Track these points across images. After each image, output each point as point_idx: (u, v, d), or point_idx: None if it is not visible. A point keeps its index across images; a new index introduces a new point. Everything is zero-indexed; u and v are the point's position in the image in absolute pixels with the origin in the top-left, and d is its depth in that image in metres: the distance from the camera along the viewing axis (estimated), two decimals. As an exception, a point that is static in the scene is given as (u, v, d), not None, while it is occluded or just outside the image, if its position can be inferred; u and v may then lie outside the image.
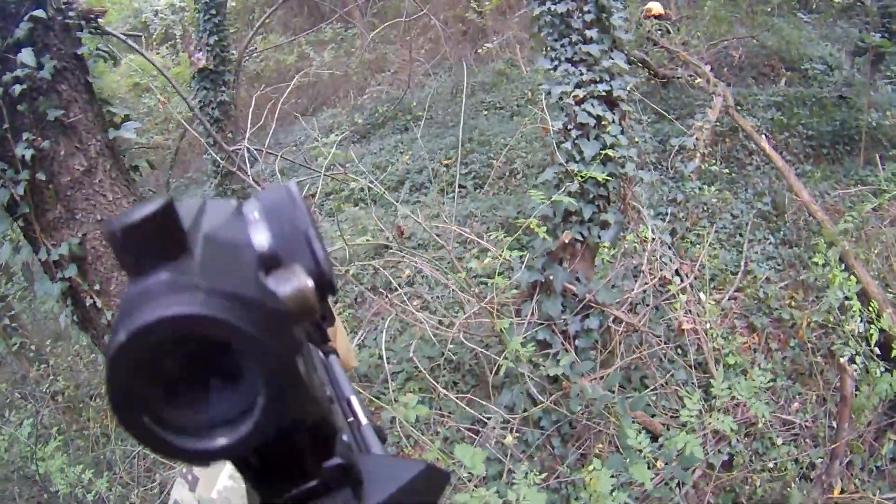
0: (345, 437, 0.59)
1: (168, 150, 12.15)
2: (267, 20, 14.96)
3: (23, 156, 3.97)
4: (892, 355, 5.15)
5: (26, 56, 3.86)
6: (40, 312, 9.45)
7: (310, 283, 0.50)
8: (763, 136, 9.54)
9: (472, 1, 17.06)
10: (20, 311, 9.13)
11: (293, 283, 0.49)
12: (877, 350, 5.37)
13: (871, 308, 5.56)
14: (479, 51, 15.14)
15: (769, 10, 14.77)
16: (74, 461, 6.16)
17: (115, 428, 6.53)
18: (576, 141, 5.16)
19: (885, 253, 7.01)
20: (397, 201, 10.30)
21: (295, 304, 0.48)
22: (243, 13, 23.73)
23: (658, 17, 14.54)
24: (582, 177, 4.92)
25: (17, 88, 3.87)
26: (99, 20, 4.75)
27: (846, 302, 5.62)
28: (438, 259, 6.81)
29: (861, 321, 5.49)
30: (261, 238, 0.54)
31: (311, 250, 0.56)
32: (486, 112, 13.83)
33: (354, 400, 0.74)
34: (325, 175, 6.27)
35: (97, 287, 4.34)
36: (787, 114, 11.25)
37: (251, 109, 8.77)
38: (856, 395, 4.74)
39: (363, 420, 0.71)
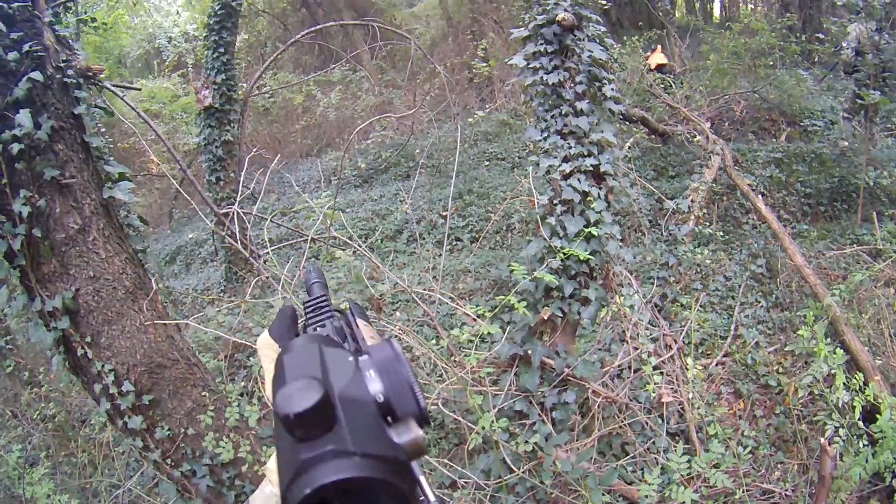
0: None
1: (175, 178, 12.36)
2: (278, 56, 15.23)
3: (20, 212, 4.09)
4: (877, 423, 5.24)
5: (24, 118, 4.00)
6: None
7: (419, 433, 0.73)
8: (760, 195, 9.62)
9: (479, 50, 17.31)
10: (17, 330, 9.27)
11: (410, 435, 0.72)
12: (860, 423, 5.46)
13: (857, 378, 5.66)
14: (478, 113, 15.34)
15: (771, 63, 14.93)
16: (60, 488, 6.25)
17: (101, 459, 6.60)
18: (560, 217, 5.24)
19: (876, 317, 7.01)
20: (394, 251, 10.53)
21: (412, 451, 0.71)
22: (256, 46, 24.13)
23: (660, 67, 14.79)
24: (564, 253, 4.98)
25: (16, 147, 3.99)
26: (98, 77, 4.96)
27: (832, 373, 5.72)
28: (424, 317, 6.97)
29: (846, 392, 5.59)
30: (376, 389, 0.75)
31: (415, 398, 0.76)
32: (487, 163, 13.96)
33: (423, 480, 0.83)
34: (314, 237, 6.43)
35: (88, 339, 4.50)
36: (786, 171, 11.34)
37: (248, 157, 8.94)
38: (833, 476, 4.84)
39: (431, 498, 0.81)
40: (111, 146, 12.86)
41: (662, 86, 13.20)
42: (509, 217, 10.58)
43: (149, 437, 4.79)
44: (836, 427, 5.35)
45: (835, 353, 5.58)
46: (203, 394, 5.00)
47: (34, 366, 8.21)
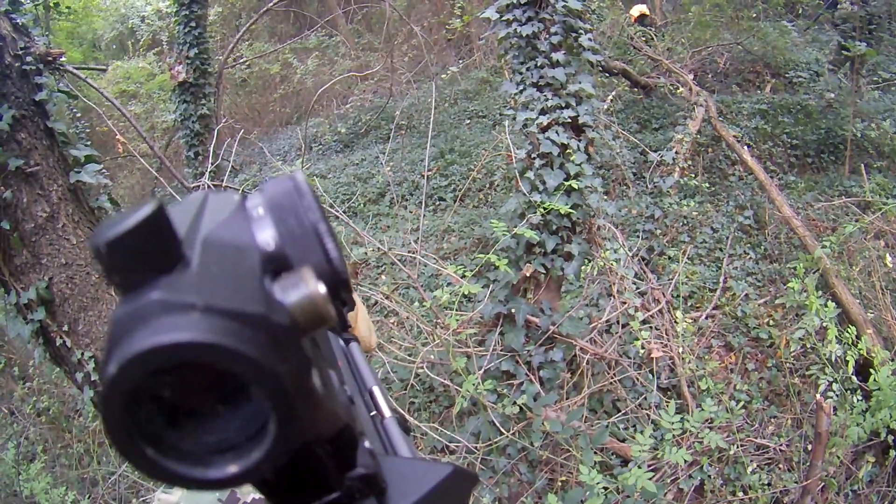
0: (367, 444, 0.56)
1: (149, 157, 12.16)
2: (252, 26, 14.99)
3: None
4: (871, 378, 5.16)
5: None
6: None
7: (320, 287, 0.44)
8: (745, 146, 9.51)
9: (456, 8, 17.09)
10: (5, 325, 9.19)
11: (301, 289, 0.44)
12: (853, 377, 5.39)
13: (849, 332, 5.57)
14: (452, 69, 15.18)
15: (754, 15, 14.82)
16: (59, 480, 6.22)
17: (96, 447, 6.57)
18: (539, 170, 5.10)
19: (867, 269, 6.93)
20: (377, 214, 10.39)
21: (303, 315, 0.43)
22: (229, 18, 23.74)
23: (642, 18, 14.61)
24: (545, 208, 4.85)
25: None
26: (59, 61, 4.80)
27: (824, 326, 5.63)
28: (408, 280, 6.85)
29: (839, 345, 5.51)
30: (265, 236, 0.49)
31: (323, 247, 0.51)
32: (468, 121, 13.86)
33: (377, 390, 0.72)
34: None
35: (66, 328, 4.43)
36: (772, 122, 11.22)
37: (225, 129, 8.76)
38: (830, 433, 4.76)
39: (386, 413, 0.69)
40: (88, 130, 12.64)
41: (643, 38, 13.03)
42: (491, 174, 10.49)
43: None
44: (829, 382, 5.27)
45: (826, 305, 5.50)
46: None
47: (24, 360, 8.21)
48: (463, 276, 4.82)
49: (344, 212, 9.40)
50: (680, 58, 13.23)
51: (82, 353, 4.47)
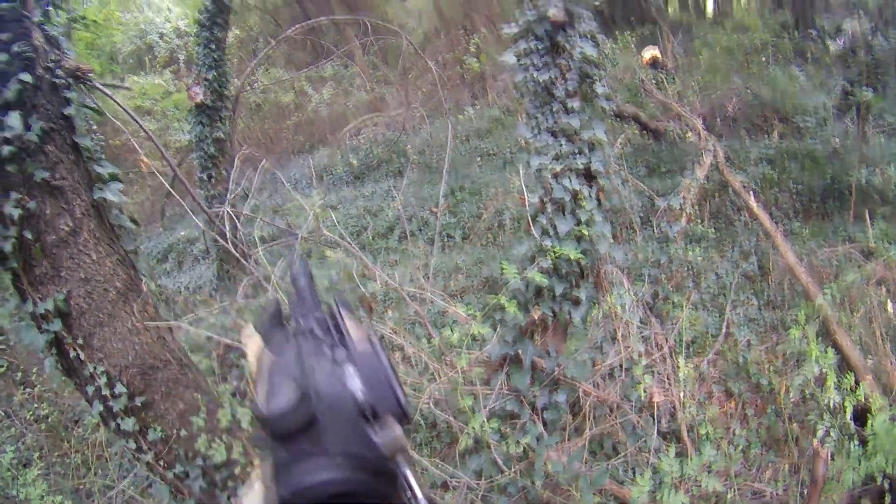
0: None
1: (166, 176, 12.33)
2: (269, 52, 15.22)
3: (11, 214, 4.08)
4: (868, 423, 5.26)
5: (14, 119, 4.01)
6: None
7: (399, 430, 0.76)
8: (752, 193, 9.64)
9: (471, 45, 17.30)
10: (10, 330, 9.22)
11: (388, 433, 0.75)
12: (851, 423, 5.48)
13: (848, 378, 5.67)
14: (468, 110, 15.37)
15: (764, 59, 15.01)
16: (54, 489, 6.27)
17: (94, 459, 6.62)
18: (551, 216, 5.22)
19: (868, 316, 6.97)
20: (386, 248, 10.52)
21: (392, 449, 0.74)
22: (246, 42, 24.08)
23: (654, 61, 14.81)
24: (555, 253, 4.99)
25: (6, 149, 3.99)
26: (88, 76, 4.93)
27: (823, 373, 5.74)
28: (416, 316, 6.96)
29: (837, 392, 5.61)
30: (356, 387, 0.76)
31: (395, 395, 0.77)
32: (479, 159, 14.01)
33: (409, 473, 0.84)
34: (305, 236, 6.44)
35: (80, 341, 4.50)
36: (778, 168, 11.39)
37: (239, 154, 8.91)
38: (826, 478, 4.86)
39: (419, 495, 0.82)
40: (102, 143, 12.81)
41: (654, 82, 13.21)
42: (500, 214, 10.60)
43: (141, 438, 4.79)
44: (827, 428, 5.37)
45: (826, 353, 5.60)
46: (195, 395, 4.99)
47: (27, 366, 8.20)
48: (472, 317, 4.96)
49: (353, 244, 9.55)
50: (690, 102, 13.39)
51: (95, 367, 4.56)
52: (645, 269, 7.85)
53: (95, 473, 6.53)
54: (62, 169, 4.35)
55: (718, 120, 14.19)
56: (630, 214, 8.77)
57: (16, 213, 4.10)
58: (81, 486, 6.52)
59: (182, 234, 15.35)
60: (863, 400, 5.39)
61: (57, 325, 4.40)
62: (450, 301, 5.85)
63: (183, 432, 4.88)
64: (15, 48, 4.11)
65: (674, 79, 14.57)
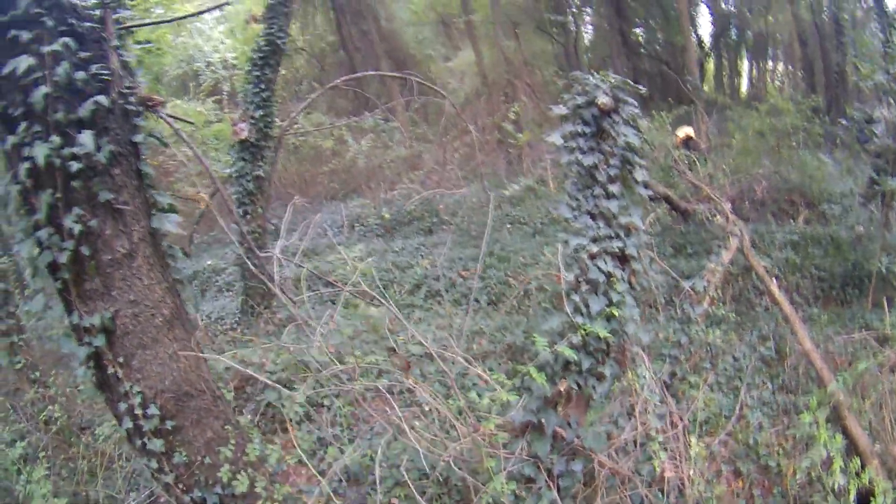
0: None
1: (197, 206, 12.68)
2: (315, 98, 15.69)
3: (71, 228, 4.38)
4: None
5: (87, 139, 4.32)
6: (46, 336, 9.67)
7: None
8: (774, 278, 9.87)
9: (510, 113, 17.75)
10: (32, 329, 9.34)
11: None
12: None
13: (854, 462, 5.93)
14: (514, 186, 15.78)
15: (794, 144, 15.27)
16: (58, 491, 6.35)
17: (102, 469, 6.76)
18: (584, 294, 5.56)
19: (879, 402, 7.11)
20: (410, 304, 10.80)
21: None
22: (291, 83, 24.75)
23: (687, 141, 15.20)
24: (585, 330, 5.33)
25: (75, 166, 4.32)
26: (158, 108, 5.31)
27: (831, 457, 5.99)
28: (440, 373, 7.26)
29: (843, 476, 5.87)
30: None
31: None
32: (509, 226, 14.39)
33: None
34: (347, 290, 6.84)
35: (121, 360, 4.79)
36: (802, 254, 11.69)
37: (293, 201, 9.24)
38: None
39: None
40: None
41: (687, 163, 13.54)
42: (528, 283, 10.87)
43: (165, 460, 5.01)
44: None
45: (834, 438, 5.85)
46: (225, 427, 5.25)
47: (44, 366, 8.42)
48: (499, 382, 5.35)
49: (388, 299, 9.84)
50: (720, 184, 13.68)
51: (131, 387, 4.83)
52: (665, 348, 8.12)
53: (101, 483, 6.65)
54: (126, 193, 4.69)
55: (747, 203, 14.51)
56: (655, 294, 9.05)
57: (76, 227, 4.40)
58: (83, 492, 6.66)
59: (209, 263, 15.66)
60: (867, 483, 5.63)
61: (100, 341, 4.67)
62: (474, 364, 6.18)
63: (207, 460, 5.11)
64: (93, 69, 4.43)
65: (706, 160, 14.91)
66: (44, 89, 4.19)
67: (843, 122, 14.38)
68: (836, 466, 5.65)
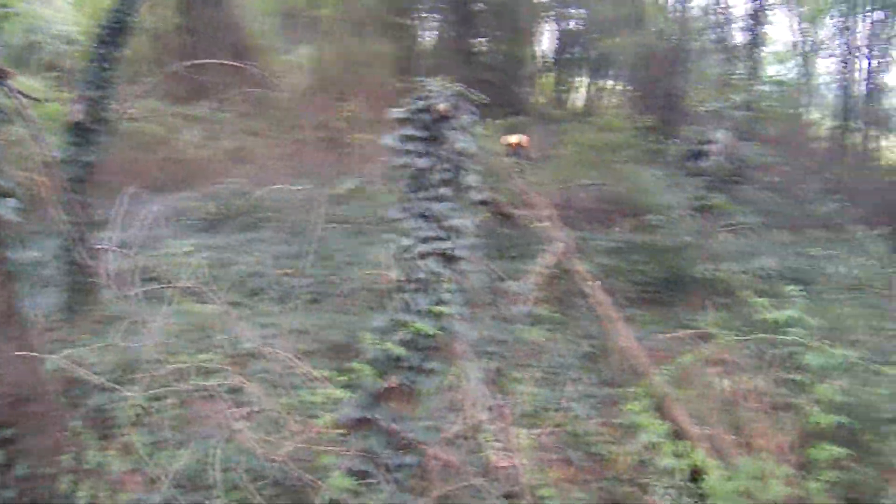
0: None
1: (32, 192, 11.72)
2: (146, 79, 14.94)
3: None
4: (702, 484, 5.96)
5: None
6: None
7: None
8: (596, 281, 10.52)
9: (344, 112, 17.80)
10: None
11: None
12: (687, 484, 6.06)
13: (682, 445, 6.32)
14: (348, 184, 15.88)
15: (625, 158, 16.19)
16: None
17: None
18: (412, 293, 5.84)
19: (703, 392, 7.69)
20: (233, 302, 10.47)
21: None
22: (128, 63, 23.80)
23: (518, 147, 15.82)
24: (414, 328, 5.60)
25: None
26: (7, 79, 4.93)
27: (658, 441, 6.39)
28: (268, 372, 7.24)
29: (674, 458, 6.21)
30: None
31: None
32: (334, 225, 14.22)
33: None
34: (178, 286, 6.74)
35: None
36: (624, 259, 12.38)
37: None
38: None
39: None
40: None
41: (517, 169, 14.10)
42: (352, 282, 11.08)
43: (5, 473, 4.74)
44: (664, 488, 6.07)
45: (660, 423, 6.35)
46: (64, 433, 5.05)
47: None
48: (328, 379, 5.47)
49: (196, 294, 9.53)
50: (547, 191, 14.31)
51: None
52: (490, 346, 8.44)
53: None
54: None
55: (572, 211, 15.04)
56: (479, 293, 9.36)
57: None
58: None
59: (34, 254, 14.74)
60: (699, 463, 6.05)
61: None
62: (302, 361, 6.27)
63: (48, 470, 4.85)
64: None
65: (534, 168, 15.71)
66: None
67: (675, 141, 15.35)
68: (665, 449, 6.10)
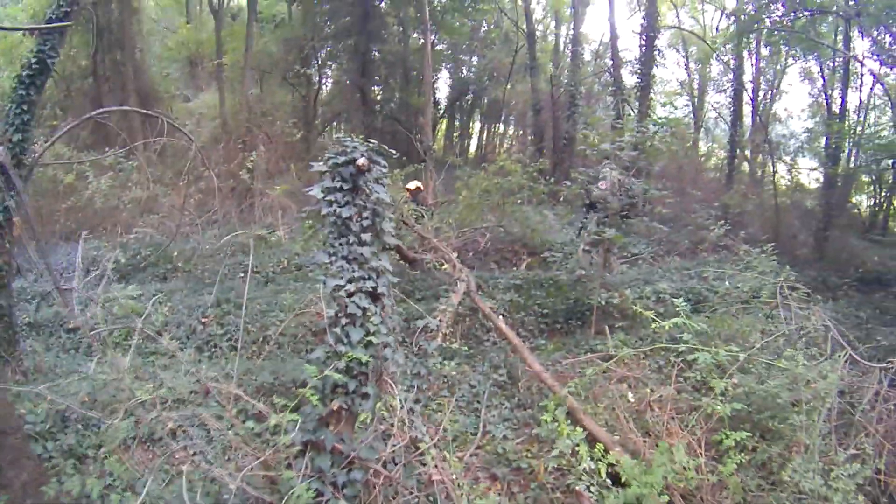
0: None
1: None
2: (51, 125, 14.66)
3: None
4: (623, 480, 6.73)
5: None
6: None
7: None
8: (500, 316, 11.46)
9: (248, 162, 18.22)
10: None
11: None
12: (608, 481, 6.94)
13: (597, 449, 7.17)
14: (279, 233, 16.22)
15: (519, 201, 17.14)
16: None
17: None
18: (345, 327, 6.61)
19: (612, 406, 8.59)
20: (153, 353, 10.63)
21: None
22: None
23: (416, 193, 16.62)
24: (349, 357, 6.36)
25: None
26: None
27: (576, 448, 7.19)
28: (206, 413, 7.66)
29: (591, 460, 7.07)
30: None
31: None
32: (242, 275, 14.63)
33: None
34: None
35: None
36: (525, 295, 13.40)
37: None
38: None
39: None
40: None
41: (415, 216, 14.89)
42: (266, 329, 11.59)
43: None
44: (587, 485, 6.93)
45: (575, 430, 7.22)
46: (36, 465, 5.27)
47: None
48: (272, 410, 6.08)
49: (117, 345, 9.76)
50: (446, 236, 15.33)
51: None
52: (406, 380, 9.10)
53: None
54: None
55: (471, 254, 16.29)
56: (393, 333, 10.04)
57: None
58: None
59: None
60: (615, 462, 6.96)
61: None
62: (250, 398, 6.88)
63: (30, 501, 5.03)
64: None
65: (432, 214, 16.61)
66: None
67: (567, 182, 16.26)
68: (582, 451, 7.00)
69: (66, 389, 8.06)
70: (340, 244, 7.03)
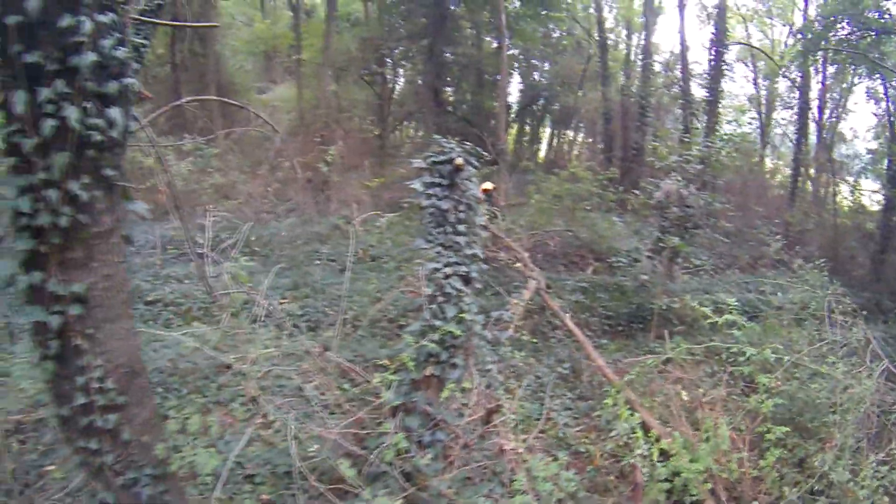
0: None
1: None
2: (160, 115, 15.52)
3: (77, 195, 4.49)
4: (671, 464, 7.17)
5: (116, 115, 4.62)
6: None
7: None
8: (567, 314, 12.23)
9: (324, 154, 18.97)
10: None
11: None
12: (659, 465, 7.31)
13: (650, 435, 7.58)
14: (382, 220, 16.78)
15: (588, 207, 17.86)
16: None
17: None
18: (441, 304, 7.53)
19: (666, 402, 9.22)
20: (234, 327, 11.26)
21: None
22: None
23: (487, 194, 17.31)
24: (443, 331, 7.26)
25: (95, 136, 4.52)
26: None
27: (632, 434, 7.51)
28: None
29: (645, 444, 7.41)
30: None
31: None
32: (318, 262, 15.56)
33: None
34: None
35: (89, 331, 4.84)
36: (590, 297, 14.18)
37: None
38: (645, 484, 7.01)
39: None
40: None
41: (487, 216, 15.60)
42: (345, 312, 11.87)
43: (111, 439, 5.15)
44: (640, 466, 7.44)
45: (632, 415, 7.74)
46: (154, 407, 5.68)
47: None
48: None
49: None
50: (517, 237, 16.05)
51: (94, 359, 4.88)
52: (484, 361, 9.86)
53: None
54: (119, 173, 4.87)
55: (541, 255, 16.97)
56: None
57: (84, 195, 4.55)
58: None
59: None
60: (666, 447, 7.37)
61: (76, 310, 4.73)
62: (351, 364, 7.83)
63: (144, 438, 5.37)
64: (121, 53, 4.68)
65: (504, 215, 17.35)
66: (92, 56, 4.45)
67: (636, 192, 16.77)
68: (638, 435, 7.45)
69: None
70: (438, 233, 7.92)
